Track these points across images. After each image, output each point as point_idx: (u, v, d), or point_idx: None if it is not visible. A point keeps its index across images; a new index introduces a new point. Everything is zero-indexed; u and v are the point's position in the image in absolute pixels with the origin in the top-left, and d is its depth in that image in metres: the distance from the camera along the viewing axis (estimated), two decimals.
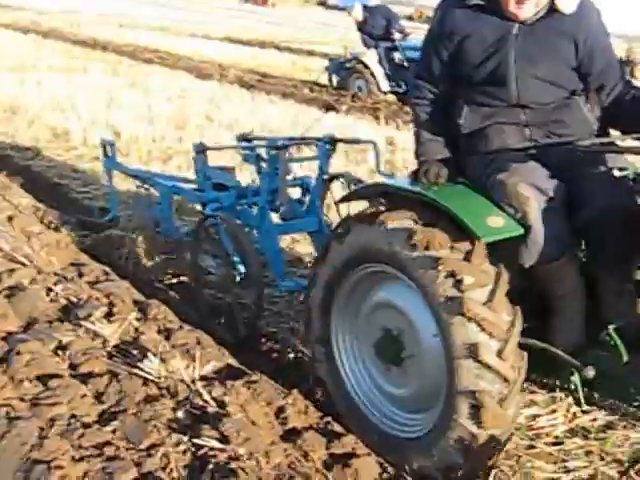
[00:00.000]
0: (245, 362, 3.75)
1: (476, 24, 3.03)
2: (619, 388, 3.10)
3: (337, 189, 4.60)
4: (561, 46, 2.99)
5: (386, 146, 9.46)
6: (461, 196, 2.98)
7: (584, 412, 3.46)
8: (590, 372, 2.83)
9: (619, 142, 3.07)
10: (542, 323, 2.96)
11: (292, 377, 3.78)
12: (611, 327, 2.86)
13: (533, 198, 2.79)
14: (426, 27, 3.45)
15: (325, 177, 4.49)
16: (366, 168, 7.67)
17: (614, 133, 3.20)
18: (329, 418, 3.23)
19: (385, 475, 2.90)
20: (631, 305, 2.95)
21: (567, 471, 3.15)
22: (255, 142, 5.00)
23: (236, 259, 4.21)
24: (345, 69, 14.84)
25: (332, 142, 4.47)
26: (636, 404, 3.07)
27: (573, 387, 3.04)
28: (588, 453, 3.26)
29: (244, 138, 5.01)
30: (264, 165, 4.64)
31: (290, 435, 3.09)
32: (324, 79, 15.53)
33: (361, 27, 14.77)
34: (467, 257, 2.74)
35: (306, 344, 3.66)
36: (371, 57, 14.29)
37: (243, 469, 2.72)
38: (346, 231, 3.12)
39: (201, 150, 4.89)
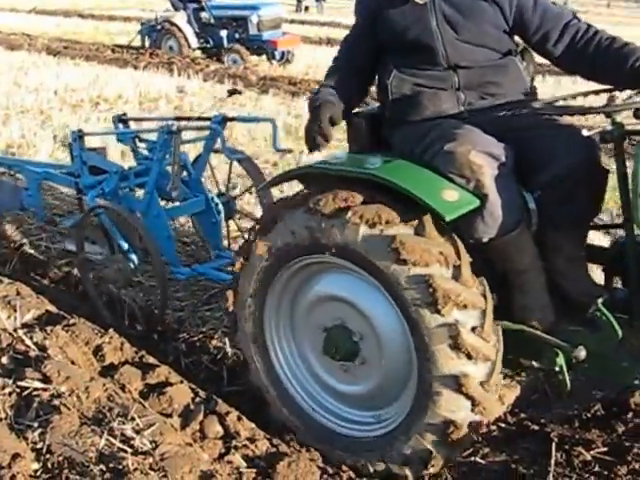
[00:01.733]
0: (63, 307, 4.01)
1: (393, 1, 2.95)
2: (613, 368, 2.75)
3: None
4: (484, 10, 2.86)
5: (176, 93, 10.97)
6: (406, 171, 2.69)
7: None
8: (581, 353, 2.64)
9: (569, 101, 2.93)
10: (505, 303, 2.72)
11: (108, 317, 4.08)
12: (599, 301, 2.66)
13: (486, 165, 2.60)
14: None
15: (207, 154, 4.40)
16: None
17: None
18: (143, 352, 3.58)
19: (197, 399, 3.25)
20: (585, 271, 2.84)
21: None
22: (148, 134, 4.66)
23: (128, 250, 4.00)
24: (157, 31, 15.79)
25: (223, 121, 4.32)
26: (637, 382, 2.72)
27: (558, 369, 2.71)
28: None
29: (120, 120, 4.77)
30: (142, 145, 4.52)
31: (108, 371, 3.40)
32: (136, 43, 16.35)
33: None
34: (422, 235, 2.53)
35: (237, 348, 3.43)
36: (181, 18, 15.42)
37: (65, 405, 2.96)
38: (273, 220, 2.84)
39: (79, 136, 4.57)
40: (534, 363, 2.78)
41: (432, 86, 2.90)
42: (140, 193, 4.45)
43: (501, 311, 2.65)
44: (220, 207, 4.40)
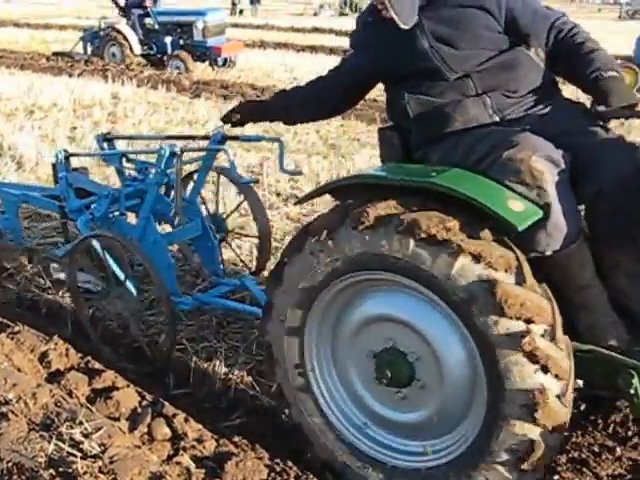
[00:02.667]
0: (7, 316, 4.01)
1: (382, 33, 2.91)
2: None
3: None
4: (473, 15, 2.81)
5: (111, 100, 11.01)
6: (467, 179, 2.50)
7: None
8: None
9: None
10: (567, 322, 2.44)
11: (53, 324, 4.09)
12: None
13: (547, 171, 2.43)
14: None
15: (203, 174, 4.12)
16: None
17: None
18: (89, 357, 3.61)
19: (144, 402, 3.30)
20: None
21: None
22: (134, 151, 4.45)
23: (127, 280, 3.68)
24: (99, 38, 15.58)
25: (223, 140, 3.98)
26: None
27: (632, 392, 2.45)
28: None
29: (106, 138, 4.39)
30: (129, 165, 4.23)
31: (54, 377, 3.42)
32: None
33: None
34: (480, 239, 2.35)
35: (275, 385, 3.07)
36: (125, 24, 15.26)
37: (13, 412, 2.98)
38: (324, 237, 2.56)
39: (65, 157, 4.30)
40: (605, 385, 2.56)
41: (451, 97, 2.78)
42: (130, 217, 4.20)
43: (564, 331, 2.38)
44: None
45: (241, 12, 33.49)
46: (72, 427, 2.90)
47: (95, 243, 3.67)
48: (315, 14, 38.39)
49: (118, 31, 15.23)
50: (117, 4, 15.57)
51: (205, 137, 4.03)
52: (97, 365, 3.55)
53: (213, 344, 3.90)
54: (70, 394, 3.27)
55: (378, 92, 11.94)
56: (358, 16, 3.22)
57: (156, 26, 15.11)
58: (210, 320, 4.08)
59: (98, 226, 3.93)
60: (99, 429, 2.91)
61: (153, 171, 4.02)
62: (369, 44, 3.01)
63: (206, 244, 4.07)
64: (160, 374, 3.61)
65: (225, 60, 15.18)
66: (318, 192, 2.84)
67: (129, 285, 3.65)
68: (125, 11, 15.45)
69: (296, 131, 9.10)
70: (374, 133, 9.69)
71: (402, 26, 2.75)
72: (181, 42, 15.09)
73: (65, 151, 4.33)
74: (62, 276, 4.38)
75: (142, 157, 4.33)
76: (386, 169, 2.82)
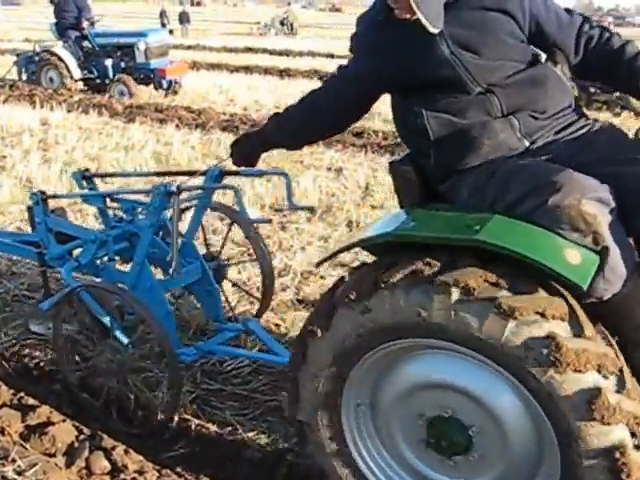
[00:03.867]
0: None
1: (394, 35, 2.63)
2: None
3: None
4: (496, 20, 2.56)
5: (40, 126, 10.72)
6: (513, 231, 2.25)
7: None
8: None
9: None
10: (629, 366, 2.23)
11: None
12: None
13: (600, 214, 2.23)
14: None
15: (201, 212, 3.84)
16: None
17: None
18: (22, 393, 3.50)
19: (82, 437, 3.20)
20: None
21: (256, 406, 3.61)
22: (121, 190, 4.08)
23: (120, 333, 3.33)
24: (35, 62, 14.94)
25: (221, 175, 3.71)
26: None
27: None
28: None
29: (84, 176, 4.03)
30: (114, 206, 3.90)
31: None
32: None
33: (56, 15, 14.77)
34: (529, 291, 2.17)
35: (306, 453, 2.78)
36: (62, 47, 14.59)
37: None
38: (364, 296, 2.32)
39: (42, 199, 3.92)
40: None
41: (475, 116, 2.52)
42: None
43: None
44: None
45: (171, 32, 33.46)
46: (4, 465, 2.83)
47: (85, 294, 3.35)
48: (262, 34, 38.84)
49: (55, 55, 14.56)
50: (56, 26, 14.88)
51: (196, 172, 3.76)
52: (31, 401, 3.44)
53: (155, 374, 3.80)
54: (2, 432, 3.16)
55: None
56: (360, 15, 2.83)
57: (95, 49, 14.61)
58: (151, 349, 3.97)
59: (84, 274, 3.64)
60: (33, 466, 2.86)
61: (142, 211, 3.74)
62: (377, 47, 2.66)
63: (205, 288, 3.79)
64: (99, 407, 3.49)
65: (170, 82, 14.75)
66: (344, 249, 2.58)
67: (122, 337, 3.31)
68: (61, 33, 14.83)
69: None
70: (317, 155, 9.76)
71: (431, 30, 2.43)
72: (123, 65, 14.60)
73: (42, 193, 3.95)
74: (40, 329, 4.14)
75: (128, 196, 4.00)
76: (418, 221, 2.44)
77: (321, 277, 5.07)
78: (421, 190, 2.71)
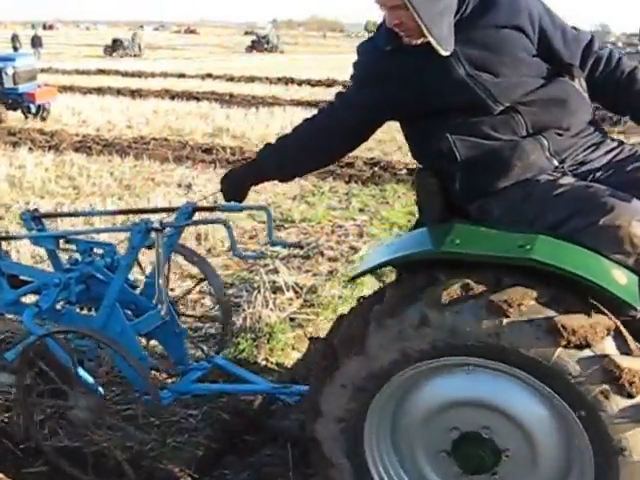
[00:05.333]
0: None
1: (406, 62, 2.54)
2: None
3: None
4: (509, 36, 2.51)
5: None
6: (561, 251, 2.23)
7: None
8: None
9: None
10: None
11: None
12: None
13: None
14: None
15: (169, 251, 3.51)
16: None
17: None
18: None
19: None
20: None
21: None
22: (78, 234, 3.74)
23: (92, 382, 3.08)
24: None
25: (193, 212, 3.46)
26: None
27: None
28: None
29: (34, 216, 3.68)
30: (70, 247, 3.57)
31: None
32: None
33: None
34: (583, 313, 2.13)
35: None
36: None
37: None
38: (391, 322, 2.26)
39: None
40: None
41: (502, 137, 2.46)
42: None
43: None
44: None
45: None
46: None
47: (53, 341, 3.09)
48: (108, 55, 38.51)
49: None
50: None
51: (169, 209, 3.54)
52: None
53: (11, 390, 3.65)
54: None
55: (168, 132, 12.45)
56: (361, 44, 2.77)
57: None
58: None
59: (45, 320, 3.32)
60: None
61: (101, 252, 3.53)
62: (389, 75, 2.56)
63: (172, 329, 3.50)
64: (12, 450, 3.34)
65: (39, 107, 14.54)
66: (383, 265, 2.50)
67: (95, 387, 3.08)
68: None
69: (89, 174, 9.29)
70: (168, 172, 9.93)
71: (443, 52, 2.41)
72: None
73: None
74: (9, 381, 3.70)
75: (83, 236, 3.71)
76: (462, 238, 2.32)
77: (171, 289, 4.77)
78: (444, 205, 2.61)
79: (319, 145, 2.79)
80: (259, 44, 54.67)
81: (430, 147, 2.56)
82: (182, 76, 26.34)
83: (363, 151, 10.97)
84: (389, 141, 11.45)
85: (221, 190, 3.10)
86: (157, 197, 7.99)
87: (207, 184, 8.81)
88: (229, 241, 3.27)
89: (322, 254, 6.21)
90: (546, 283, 2.17)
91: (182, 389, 3.47)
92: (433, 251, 2.34)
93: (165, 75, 26.77)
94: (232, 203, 3.19)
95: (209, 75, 26.69)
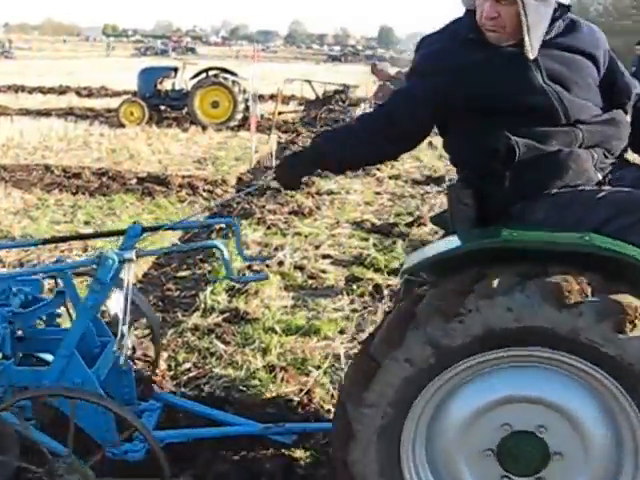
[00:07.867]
0: None
1: (486, 55, 2.63)
2: None
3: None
4: (584, 63, 2.69)
5: None
6: (614, 241, 2.31)
7: None
8: None
9: None
10: None
11: None
12: None
13: None
14: None
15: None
16: None
17: None
18: None
19: None
20: None
21: None
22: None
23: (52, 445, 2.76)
24: None
25: (141, 233, 3.19)
26: None
27: None
28: None
29: None
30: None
31: None
32: None
33: None
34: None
35: None
36: None
37: None
38: (458, 307, 2.28)
39: None
40: None
41: (560, 145, 2.58)
42: None
43: None
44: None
45: None
46: None
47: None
48: None
49: None
50: None
51: (115, 232, 3.21)
52: None
53: None
54: None
55: (28, 156, 11.62)
56: (427, 36, 2.86)
57: None
58: None
59: None
60: None
61: (28, 289, 3.13)
62: (462, 65, 2.63)
63: (118, 368, 3.16)
64: None
65: None
66: (445, 256, 2.49)
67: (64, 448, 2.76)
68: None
69: None
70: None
71: (530, 55, 2.54)
72: None
73: None
74: None
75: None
76: (514, 232, 2.39)
77: None
78: (475, 214, 2.65)
79: (389, 136, 2.76)
80: None
81: (483, 145, 2.59)
82: None
83: (92, 161, 10.85)
84: (120, 149, 11.33)
85: (275, 179, 3.00)
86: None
87: None
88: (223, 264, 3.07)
89: None
90: (593, 272, 2.26)
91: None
92: (496, 241, 2.37)
93: None
94: (194, 220, 3.12)
95: None
